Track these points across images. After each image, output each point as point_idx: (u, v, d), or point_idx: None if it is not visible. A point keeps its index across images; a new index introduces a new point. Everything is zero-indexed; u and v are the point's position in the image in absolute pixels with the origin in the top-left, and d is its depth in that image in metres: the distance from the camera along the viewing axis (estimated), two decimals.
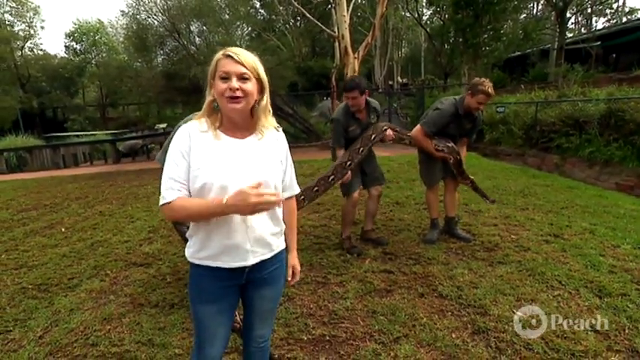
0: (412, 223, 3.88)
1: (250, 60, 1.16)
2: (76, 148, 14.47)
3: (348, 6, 10.97)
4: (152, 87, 12.55)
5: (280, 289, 1.40)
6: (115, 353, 2.07)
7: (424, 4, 23.77)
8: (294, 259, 1.45)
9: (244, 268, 1.23)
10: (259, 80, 1.18)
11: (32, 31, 26.71)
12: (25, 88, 24.95)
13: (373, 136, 3.08)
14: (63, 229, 4.59)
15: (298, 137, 13.30)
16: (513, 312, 2.19)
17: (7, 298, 2.81)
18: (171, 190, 1.14)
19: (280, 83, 14.56)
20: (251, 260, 1.22)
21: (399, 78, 33.48)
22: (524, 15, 21.37)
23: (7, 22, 25.33)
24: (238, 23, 13.86)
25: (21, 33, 25.96)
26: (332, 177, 2.97)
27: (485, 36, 14.73)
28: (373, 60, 30.62)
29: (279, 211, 1.29)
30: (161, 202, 1.15)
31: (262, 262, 1.26)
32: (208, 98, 1.20)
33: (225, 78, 1.13)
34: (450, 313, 2.24)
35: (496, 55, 15.42)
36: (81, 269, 3.26)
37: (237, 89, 1.12)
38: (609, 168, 6.59)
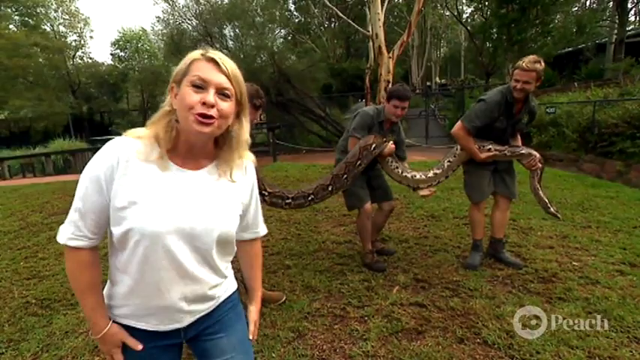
0: (450, 242, 3.37)
1: (236, 72, 0.87)
2: None
3: (382, 4, 10.51)
4: None
5: (243, 331, 1.08)
6: None
7: (464, 1, 22.66)
8: (256, 314, 1.13)
9: (179, 329, 0.95)
10: (239, 102, 0.90)
11: (82, 41, 28.53)
12: (75, 94, 26.60)
13: (373, 146, 2.64)
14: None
15: (330, 140, 12.94)
16: None
17: (9, 314, 2.66)
18: (72, 231, 0.86)
19: (313, 85, 14.29)
20: (187, 321, 0.95)
21: (437, 78, 32.33)
22: (577, 7, 19.72)
23: (60, 33, 27.15)
24: (270, 26, 13.76)
25: (73, 43, 27.74)
26: (330, 186, 2.59)
27: (533, 31, 13.62)
28: (410, 60, 29.74)
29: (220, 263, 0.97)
30: (59, 238, 0.87)
31: (204, 316, 0.99)
32: (164, 108, 0.89)
33: (200, 87, 0.83)
34: None
35: (545, 52, 14.23)
36: None
37: (213, 106, 0.83)
38: None
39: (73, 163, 13.27)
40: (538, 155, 2.74)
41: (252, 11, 13.07)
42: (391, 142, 2.73)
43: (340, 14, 12.08)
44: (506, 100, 2.60)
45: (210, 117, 0.82)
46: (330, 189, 2.57)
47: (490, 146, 2.69)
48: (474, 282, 2.57)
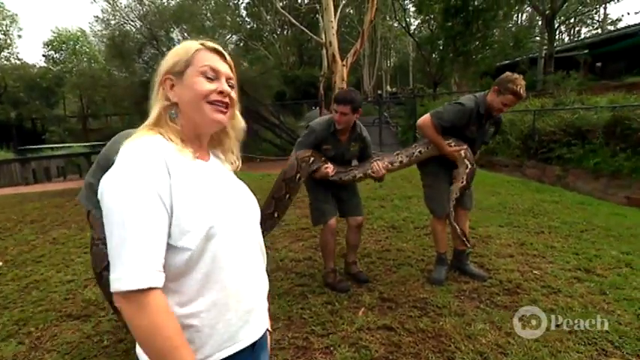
0: (413, 254, 3.27)
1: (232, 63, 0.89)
2: (49, 162, 13.56)
3: (335, 12, 10.55)
4: (129, 97, 11.78)
5: None
6: None
7: (412, 13, 23.67)
8: None
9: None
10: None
11: (9, 40, 25.75)
12: (1, 99, 23.89)
13: (311, 160, 2.49)
14: (1, 263, 3.87)
15: (285, 148, 12.70)
16: None
17: None
18: (143, 269, 0.66)
19: (266, 92, 14.00)
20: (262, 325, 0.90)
21: (388, 87, 33.38)
22: (511, 24, 21.36)
23: None
24: (221, 31, 13.30)
25: None
26: (275, 212, 2.36)
27: (476, 43, 14.47)
28: (362, 69, 30.43)
29: None
30: (126, 287, 0.65)
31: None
32: (163, 103, 0.82)
33: (210, 77, 0.82)
34: None
35: (486, 63, 15.17)
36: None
37: (227, 95, 0.83)
38: (618, 180, 6.13)
39: None
40: (468, 157, 2.65)
41: (201, 15, 12.54)
42: (327, 165, 2.51)
43: (294, 21, 11.97)
44: (477, 110, 2.54)
45: (226, 105, 0.83)
46: (276, 215, 2.33)
47: (460, 147, 2.60)
48: (442, 298, 2.46)
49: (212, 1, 17.50)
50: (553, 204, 4.92)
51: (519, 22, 24.81)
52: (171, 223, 0.71)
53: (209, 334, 0.75)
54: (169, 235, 0.70)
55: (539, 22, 18.66)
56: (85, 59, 28.54)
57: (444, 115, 2.58)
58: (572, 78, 11.16)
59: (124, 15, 10.87)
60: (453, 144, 2.59)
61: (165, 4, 11.87)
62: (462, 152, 2.59)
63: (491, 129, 2.71)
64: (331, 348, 2.02)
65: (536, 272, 2.80)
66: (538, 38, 18.47)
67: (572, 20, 24.54)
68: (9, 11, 25.56)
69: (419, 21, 23.87)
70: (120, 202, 0.67)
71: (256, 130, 13.14)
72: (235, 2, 23.80)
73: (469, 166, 2.60)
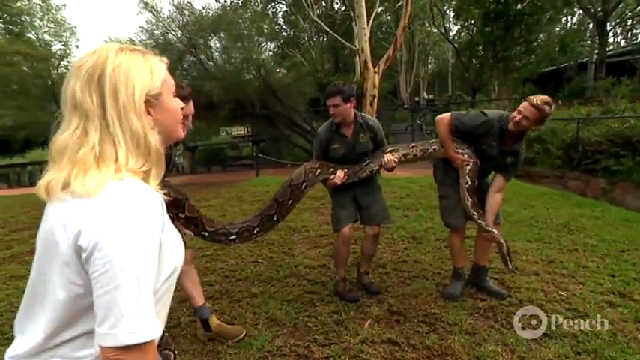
0: (430, 267, 3.15)
1: None
2: None
3: (368, 19, 10.52)
4: None
5: None
6: None
7: (451, 19, 23.11)
8: None
9: None
10: None
11: (68, 50, 27.99)
12: (59, 104, 26.02)
13: (318, 172, 2.48)
14: None
15: None
16: None
17: None
18: (152, 318, 0.64)
19: (300, 99, 14.14)
20: None
21: (425, 94, 32.73)
22: (559, 27, 20.25)
23: (46, 42, 26.72)
24: (257, 39, 13.67)
25: (58, 52, 27.27)
26: (275, 215, 2.35)
27: (518, 49, 13.85)
28: (399, 76, 30.05)
29: None
30: (146, 338, 0.62)
31: None
32: (154, 136, 0.71)
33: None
34: None
35: (529, 69, 14.46)
36: None
37: None
38: None
39: None
40: (472, 160, 2.50)
41: (238, 23, 12.96)
42: (336, 175, 2.49)
43: (327, 29, 12.06)
44: (500, 126, 2.42)
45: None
46: (275, 218, 2.33)
47: (467, 154, 2.48)
48: (454, 315, 2.35)
49: (250, 10, 18.08)
50: (593, 220, 4.56)
51: (569, 24, 23.47)
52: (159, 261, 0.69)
53: None
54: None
55: (591, 25, 17.58)
56: None
57: (465, 118, 2.49)
58: (624, 84, 10.36)
59: (166, 25, 11.48)
60: (462, 151, 2.48)
61: (205, 13, 12.39)
62: (467, 163, 2.47)
63: (509, 159, 2.51)
64: (331, 359, 1.99)
65: (562, 293, 2.60)
66: (589, 42, 17.37)
67: (629, 22, 22.86)
68: (69, 24, 27.82)
69: (458, 26, 23.28)
70: (134, 260, 0.61)
71: (288, 136, 13.33)
72: (273, 11, 24.44)
73: (468, 182, 2.47)
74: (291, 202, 2.37)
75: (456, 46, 21.38)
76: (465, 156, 2.46)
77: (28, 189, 11.42)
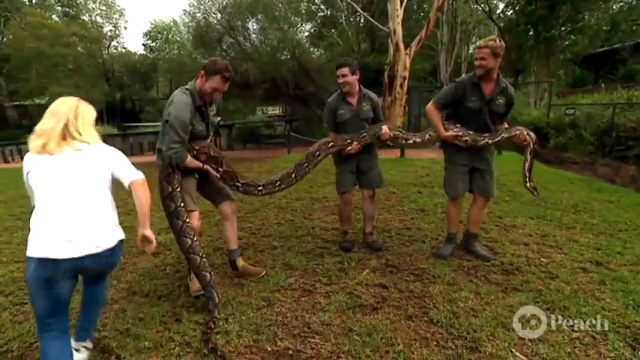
0: (430, 234, 3.55)
1: None
2: (143, 138, 15.79)
3: (401, 0, 10.49)
4: None
5: None
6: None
7: None
8: None
9: None
10: None
11: (117, 31, 29.71)
12: (109, 83, 27.87)
13: (330, 144, 2.99)
14: None
15: None
16: (511, 352, 1.86)
17: None
18: None
19: (333, 79, 14.38)
20: None
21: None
22: (615, 6, 18.71)
23: (97, 24, 28.45)
24: (295, 19, 13.96)
25: (108, 33, 29.00)
26: (294, 174, 2.91)
27: (562, 29, 13.17)
28: (438, 56, 29.12)
29: None
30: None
31: None
32: None
33: None
34: (434, 342, 1.96)
35: (575, 51, 13.72)
36: None
37: None
38: None
39: None
40: (525, 130, 2.84)
41: (275, 5, 13.31)
42: (351, 147, 2.95)
43: (358, 8, 12.09)
44: (472, 82, 2.77)
45: None
46: (294, 176, 2.89)
47: (460, 132, 2.82)
48: (440, 269, 2.76)
49: None
50: (605, 203, 4.67)
51: (627, 1, 21.56)
52: None
53: None
54: None
55: None
56: (175, 47, 31.77)
57: (441, 93, 2.95)
58: None
59: (207, 8, 12.07)
60: (454, 129, 2.83)
61: None
62: (461, 137, 2.82)
63: (500, 100, 2.79)
64: (330, 294, 2.48)
65: (543, 260, 2.91)
66: None
67: None
68: (118, 6, 29.38)
69: (504, 4, 22.10)
70: None
71: (320, 116, 13.74)
72: None
73: (468, 140, 2.84)
74: (306, 165, 2.92)
75: (499, 25, 20.42)
76: (455, 130, 2.83)
77: None
